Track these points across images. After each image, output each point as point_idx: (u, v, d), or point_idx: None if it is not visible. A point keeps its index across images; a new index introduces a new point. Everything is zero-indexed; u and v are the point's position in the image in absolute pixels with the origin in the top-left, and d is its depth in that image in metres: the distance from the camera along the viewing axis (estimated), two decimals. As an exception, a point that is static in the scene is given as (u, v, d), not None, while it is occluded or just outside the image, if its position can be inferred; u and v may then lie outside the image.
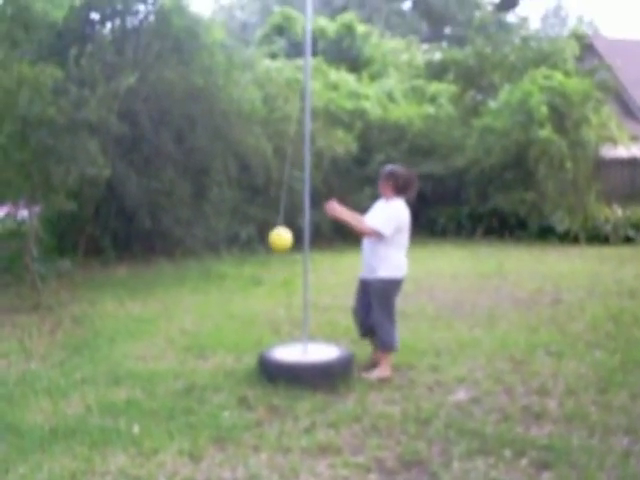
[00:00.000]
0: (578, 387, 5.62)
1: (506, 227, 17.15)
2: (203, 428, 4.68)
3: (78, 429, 4.63)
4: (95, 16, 12.79)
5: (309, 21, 5.92)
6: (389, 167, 6.17)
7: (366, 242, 6.01)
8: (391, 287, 5.93)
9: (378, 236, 5.81)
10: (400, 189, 5.98)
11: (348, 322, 7.75)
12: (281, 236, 5.92)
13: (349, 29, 23.49)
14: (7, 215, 10.69)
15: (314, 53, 20.26)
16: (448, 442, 4.52)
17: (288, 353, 5.87)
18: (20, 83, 8.05)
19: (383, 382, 5.72)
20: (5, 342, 7.13)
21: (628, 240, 16.08)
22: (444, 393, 5.51)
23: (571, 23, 46.39)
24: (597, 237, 16.18)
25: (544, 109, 16.29)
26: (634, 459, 4.27)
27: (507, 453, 4.34)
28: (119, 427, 4.67)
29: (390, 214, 5.87)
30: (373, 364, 6.03)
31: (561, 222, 16.42)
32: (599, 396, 5.42)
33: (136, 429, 4.64)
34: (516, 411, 5.10)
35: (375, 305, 5.91)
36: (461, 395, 5.47)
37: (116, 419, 4.83)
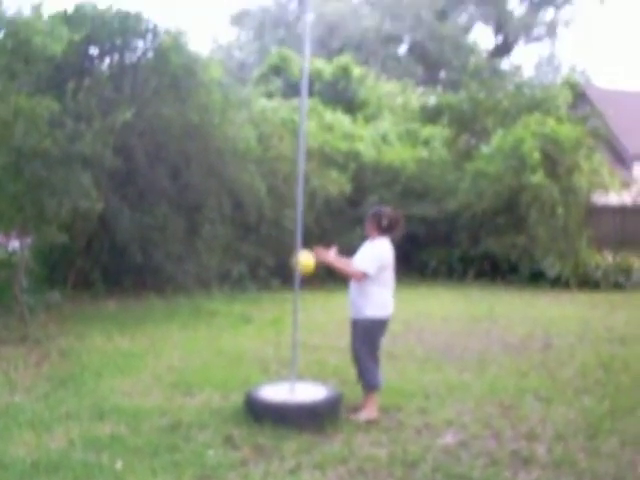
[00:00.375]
0: (567, 433, 5.59)
1: (498, 271, 17.14)
2: (187, 466, 4.62)
3: (61, 464, 4.57)
4: (94, 51, 12.90)
5: (307, 61, 5.99)
6: (375, 208, 6.23)
7: (353, 281, 6.03)
8: (376, 326, 5.92)
9: (364, 277, 5.83)
10: (384, 229, 6.02)
11: (337, 362, 7.77)
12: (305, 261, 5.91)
13: (345, 71, 23.76)
14: (-2, 246, 10.69)
15: (310, 94, 20.42)
16: (435, 486, 4.47)
17: (275, 392, 5.82)
18: (17, 114, 8.10)
19: (371, 424, 5.67)
20: (-10, 374, 7.06)
21: (618, 286, 16.11)
22: (432, 436, 5.47)
23: (564, 72, 47.00)
24: (588, 283, 16.18)
25: (536, 155, 16.40)
26: (622, 507, 4.24)
27: (494, 498, 4.30)
28: (102, 462, 4.61)
29: (374, 253, 5.91)
30: (362, 406, 5.98)
31: (552, 267, 16.43)
32: (588, 442, 5.39)
33: (119, 465, 4.58)
34: (504, 456, 5.06)
35: (359, 344, 5.90)
36: (449, 439, 5.43)
37: (99, 454, 4.77)
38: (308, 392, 5.84)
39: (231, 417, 5.71)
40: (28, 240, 9.58)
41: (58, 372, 7.15)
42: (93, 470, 4.49)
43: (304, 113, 6.16)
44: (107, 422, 5.51)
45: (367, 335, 5.89)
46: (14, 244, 10.49)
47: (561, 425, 5.79)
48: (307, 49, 6.00)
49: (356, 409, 5.94)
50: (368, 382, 5.89)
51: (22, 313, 8.95)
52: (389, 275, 5.99)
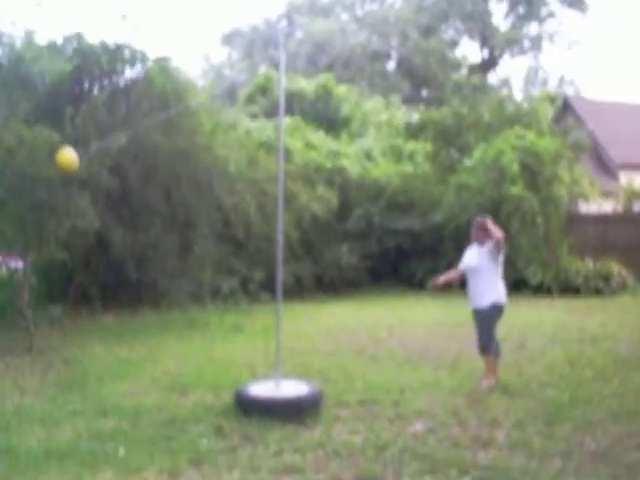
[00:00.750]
0: (526, 420, 6.17)
1: (482, 279, 17.66)
2: (182, 452, 5.21)
3: (69, 451, 5.17)
4: (86, 78, 13.45)
5: (283, 80, 6.63)
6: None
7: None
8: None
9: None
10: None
11: (321, 364, 8.37)
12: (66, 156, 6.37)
13: (326, 90, 24.38)
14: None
15: (293, 113, 21.09)
16: (402, 464, 5.05)
17: (262, 389, 6.42)
18: (19, 142, 8.70)
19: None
20: (0, 380, 7.64)
21: (598, 292, 16.68)
22: (403, 425, 6.05)
23: (552, 84, 47.82)
24: (569, 289, 16.76)
25: (516, 167, 17.02)
26: (565, 476, 4.82)
27: (453, 472, 4.89)
28: (106, 450, 5.21)
29: None
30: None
31: (534, 275, 17.00)
32: (544, 428, 5.97)
33: (122, 452, 5.17)
34: (466, 439, 5.64)
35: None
36: (418, 426, 6.01)
37: (103, 444, 5.36)
38: (292, 388, 6.44)
39: (222, 412, 6.30)
40: (31, 258, 10.12)
41: (63, 378, 7.75)
42: (98, 456, 5.08)
43: (282, 130, 6.80)
44: (110, 418, 6.11)
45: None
46: (16, 263, 11.04)
47: (522, 414, 6.37)
48: (282, 68, 6.64)
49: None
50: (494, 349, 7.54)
51: (27, 326, 9.50)
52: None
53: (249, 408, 6.11)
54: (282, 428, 5.81)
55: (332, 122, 22.86)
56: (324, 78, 25.23)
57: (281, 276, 6.63)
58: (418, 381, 7.61)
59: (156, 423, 5.99)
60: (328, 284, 16.83)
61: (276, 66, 27.63)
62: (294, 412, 6.10)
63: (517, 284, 17.16)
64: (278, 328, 6.59)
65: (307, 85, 24.81)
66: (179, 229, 14.26)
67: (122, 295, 13.79)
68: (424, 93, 43.26)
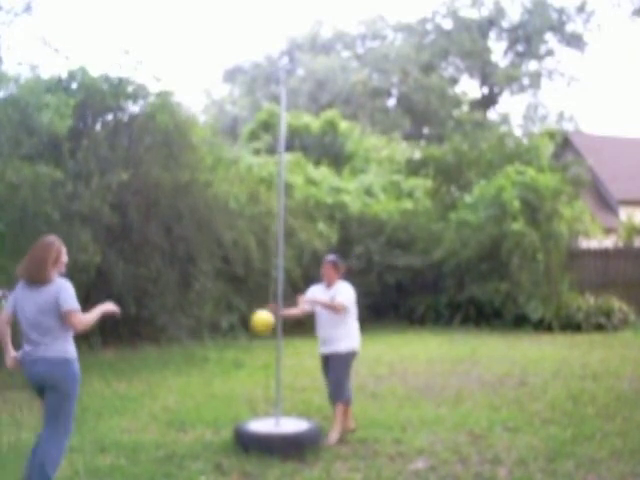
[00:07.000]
0: (529, 457, 6.11)
1: (483, 316, 17.60)
2: (181, 489, 5.15)
3: (66, 489, 5.10)
4: (88, 113, 13.55)
5: (283, 115, 6.67)
6: (332, 257, 7.26)
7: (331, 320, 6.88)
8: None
9: (345, 310, 6.90)
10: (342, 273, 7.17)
11: (322, 401, 8.27)
12: (262, 318, 6.53)
13: (332, 126, 24.54)
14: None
15: (297, 149, 21.16)
16: (403, 502, 4.99)
17: (261, 425, 6.37)
18: (21, 180, 8.74)
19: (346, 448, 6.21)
20: (-3, 415, 7.58)
21: (599, 327, 16.58)
22: (404, 462, 5.99)
23: (551, 120, 48.01)
24: (570, 325, 16.65)
25: (516, 203, 17.06)
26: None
27: (454, 511, 4.82)
28: (104, 487, 5.15)
29: (350, 291, 7.18)
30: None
31: (535, 311, 16.91)
32: (547, 465, 5.91)
33: (119, 489, 5.11)
34: (468, 477, 5.58)
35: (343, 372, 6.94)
36: (420, 464, 5.95)
37: (101, 481, 5.30)
38: (291, 425, 6.38)
39: (221, 449, 6.24)
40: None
41: (61, 414, 7.66)
42: (96, 494, 5.02)
43: (282, 165, 6.84)
44: (108, 455, 6.05)
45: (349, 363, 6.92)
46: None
47: (524, 451, 6.30)
48: (283, 104, 6.69)
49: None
50: (347, 397, 6.70)
51: (25, 361, 9.42)
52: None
53: (248, 445, 6.06)
54: (282, 465, 5.75)
55: (336, 158, 22.94)
56: (330, 114, 25.39)
57: (281, 312, 6.61)
58: (419, 418, 7.55)
59: (155, 459, 5.93)
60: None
61: (278, 102, 27.86)
62: (294, 449, 6.05)
63: (518, 320, 17.13)
64: (278, 364, 6.56)
65: (312, 121, 24.94)
66: (179, 264, 14.25)
67: (121, 330, 13.71)
68: (425, 130, 43.47)
